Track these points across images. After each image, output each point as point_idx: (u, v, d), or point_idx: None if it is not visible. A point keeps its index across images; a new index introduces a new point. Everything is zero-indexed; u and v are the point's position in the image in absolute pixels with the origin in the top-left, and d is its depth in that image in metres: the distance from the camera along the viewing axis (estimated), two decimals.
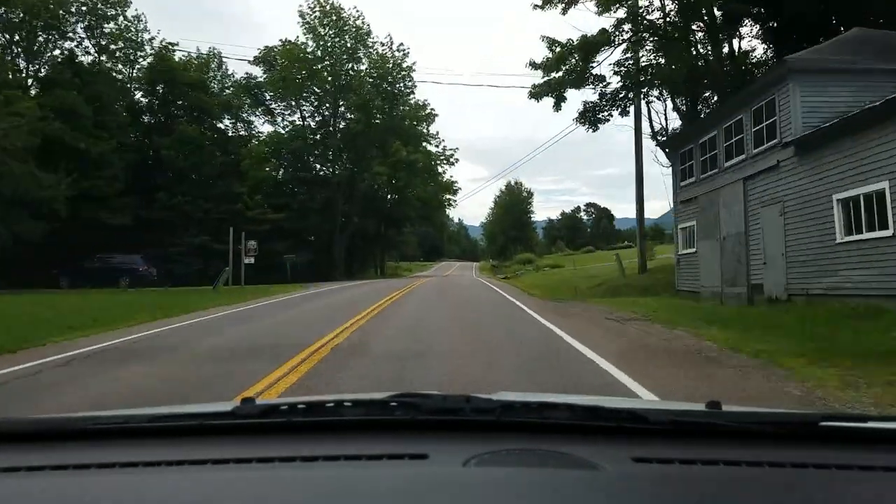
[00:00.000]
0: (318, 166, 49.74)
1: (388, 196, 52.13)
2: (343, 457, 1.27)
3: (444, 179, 54.37)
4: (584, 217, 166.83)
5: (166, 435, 1.44)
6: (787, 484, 1.20)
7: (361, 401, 1.54)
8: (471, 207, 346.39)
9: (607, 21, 23.52)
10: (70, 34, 39.36)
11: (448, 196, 55.16)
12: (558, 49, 23.63)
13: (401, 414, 1.42)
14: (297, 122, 49.44)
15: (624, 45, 23.86)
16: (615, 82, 25.12)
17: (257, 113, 49.35)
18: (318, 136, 49.35)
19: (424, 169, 49.83)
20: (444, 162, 52.65)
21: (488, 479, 1.18)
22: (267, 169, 46.38)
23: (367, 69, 48.14)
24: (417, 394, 1.54)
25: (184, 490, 1.18)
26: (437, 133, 52.49)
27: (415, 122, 50.89)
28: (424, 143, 51.28)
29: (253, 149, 45.52)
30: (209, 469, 1.25)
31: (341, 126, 49.12)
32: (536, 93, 25.01)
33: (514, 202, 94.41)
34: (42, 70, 38.77)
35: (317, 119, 50.13)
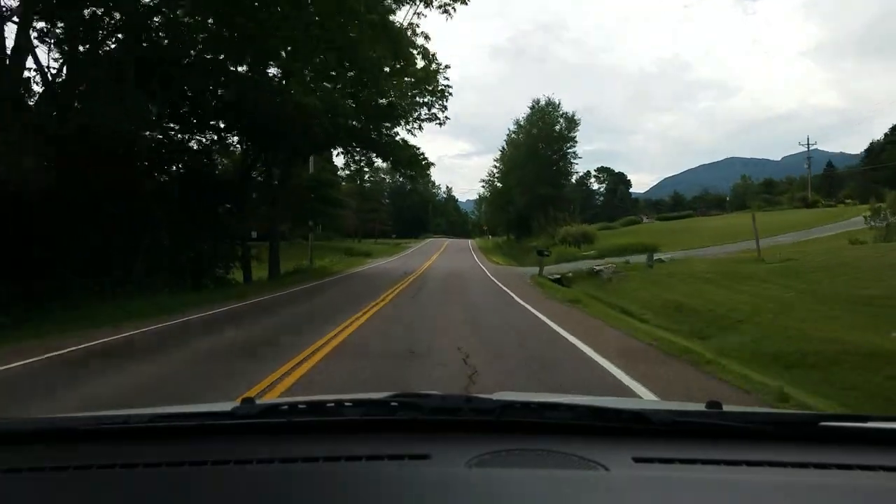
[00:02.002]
0: None
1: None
2: (344, 457, 1.25)
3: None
4: (595, 184, 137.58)
5: (166, 435, 1.42)
6: (788, 484, 1.18)
7: (362, 401, 1.52)
8: (458, 182, 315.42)
9: None
10: None
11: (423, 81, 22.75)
12: None
13: (402, 414, 1.40)
14: None
15: None
16: None
17: None
18: None
19: None
20: None
21: (490, 480, 1.17)
22: None
23: None
24: (417, 394, 1.51)
25: (184, 490, 1.17)
26: None
27: None
28: None
29: None
30: (209, 469, 1.24)
31: None
32: None
33: (541, 137, 55.89)
34: None
35: None
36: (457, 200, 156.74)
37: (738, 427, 1.39)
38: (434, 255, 49.08)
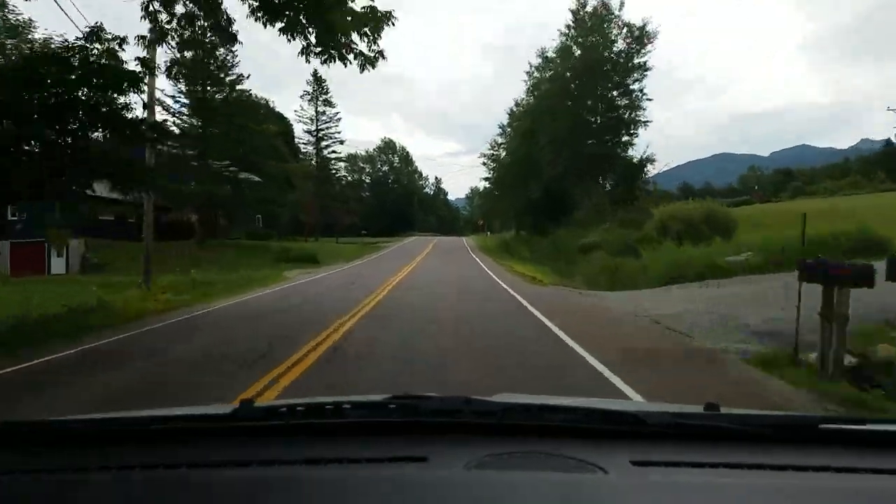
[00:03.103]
0: None
1: None
2: (343, 459, 1.23)
3: None
4: None
5: (166, 437, 1.40)
6: (788, 486, 1.18)
7: (360, 403, 1.50)
8: (447, 181, 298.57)
9: None
10: None
11: None
12: None
13: (400, 416, 1.39)
14: None
15: None
16: None
17: None
18: None
19: None
20: None
21: (489, 482, 1.16)
22: None
23: None
24: (416, 395, 1.49)
25: (183, 492, 1.15)
26: None
27: None
28: None
29: None
30: (208, 471, 1.23)
31: None
32: None
33: (588, 67, 32.59)
34: None
35: None
36: (446, 194, 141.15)
37: (737, 429, 1.37)
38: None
